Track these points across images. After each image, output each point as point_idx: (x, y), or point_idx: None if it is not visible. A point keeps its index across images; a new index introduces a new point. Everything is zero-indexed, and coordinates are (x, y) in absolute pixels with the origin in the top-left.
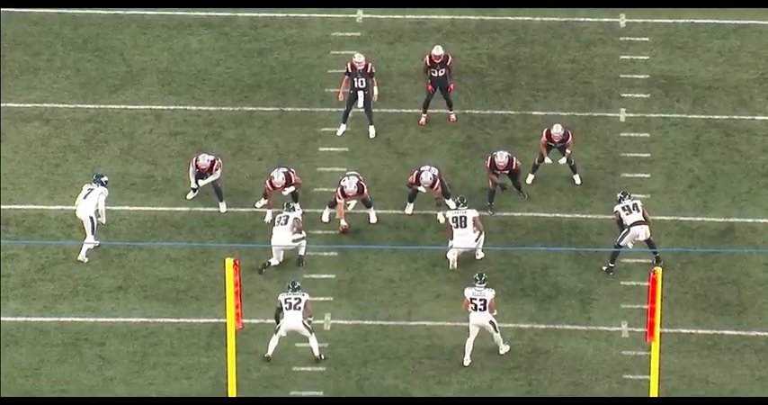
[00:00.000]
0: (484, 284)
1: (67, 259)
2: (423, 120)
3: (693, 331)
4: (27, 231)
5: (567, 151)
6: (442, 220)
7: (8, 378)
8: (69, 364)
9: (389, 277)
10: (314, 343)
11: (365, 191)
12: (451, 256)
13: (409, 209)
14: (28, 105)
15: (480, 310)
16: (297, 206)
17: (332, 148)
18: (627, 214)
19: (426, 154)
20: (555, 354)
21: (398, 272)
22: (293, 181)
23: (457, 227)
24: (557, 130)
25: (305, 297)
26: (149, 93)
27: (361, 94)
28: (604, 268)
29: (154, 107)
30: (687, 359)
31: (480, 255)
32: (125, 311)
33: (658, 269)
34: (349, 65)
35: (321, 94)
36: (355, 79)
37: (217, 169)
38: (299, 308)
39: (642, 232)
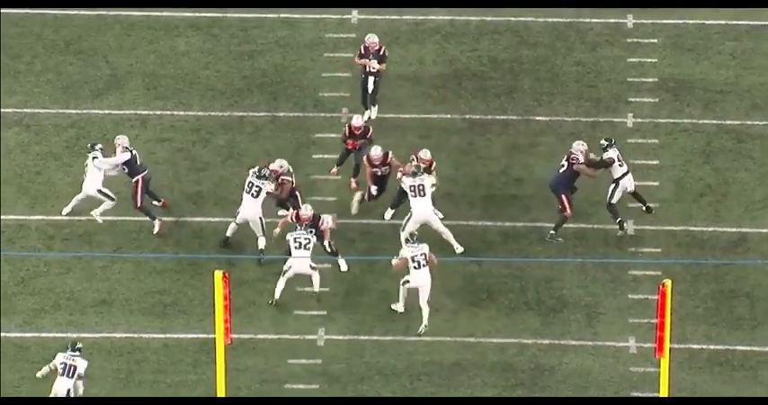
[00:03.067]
0: (417, 242)
1: (48, 272)
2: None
3: (705, 347)
4: (7, 242)
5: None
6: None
7: None
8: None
9: (386, 290)
10: (316, 280)
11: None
12: (412, 227)
13: (388, 214)
14: (8, 110)
15: (424, 266)
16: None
17: (326, 155)
18: (619, 166)
19: None
20: (560, 370)
21: (396, 284)
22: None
23: (415, 196)
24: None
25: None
26: (135, 97)
27: (371, 80)
28: (619, 233)
29: (139, 112)
30: (698, 376)
31: (450, 238)
32: (109, 326)
33: (668, 282)
34: (362, 47)
35: (315, 99)
36: (367, 62)
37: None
38: (309, 248)
39: (630, 184)
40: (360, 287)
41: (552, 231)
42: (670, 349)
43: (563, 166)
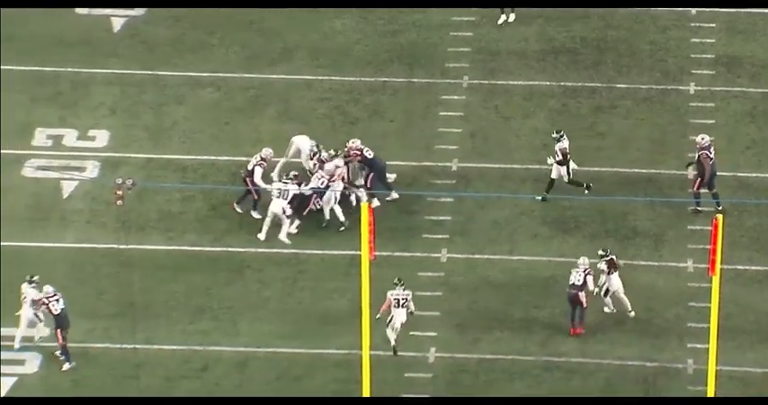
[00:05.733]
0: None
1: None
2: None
3: (748, 267)
4: (201, 177)
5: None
6: None
7: (185, 296)
8: (234, 287)
9: (495, 220)
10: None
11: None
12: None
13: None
14: (204, 75)
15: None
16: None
17: (450, 113)
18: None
19: (528, 118)
20: (632, 284)
21: (503, 216)
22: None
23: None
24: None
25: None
26: (301, 66)
27: None
28: (586, 191)
29: (305, 77)
30: (742, 290)
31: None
32: (281, 243)
33: (719, 216)
34: None
35: (442, 68)
36: None
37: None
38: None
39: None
40: (474, 217)
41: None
42: (720, 269)
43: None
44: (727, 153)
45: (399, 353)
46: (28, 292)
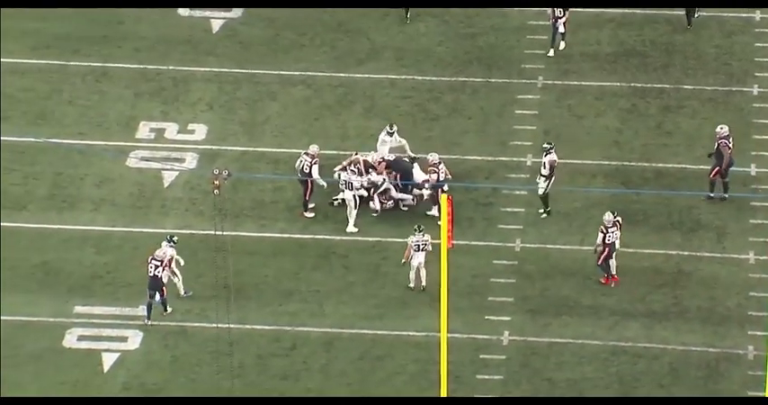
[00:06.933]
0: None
1: (321, 192)
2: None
3: None
4: (292, 169)
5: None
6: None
7: (275, 279)
8: (321, 272)
9: (567, 212)
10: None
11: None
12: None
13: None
14: (295, 73)
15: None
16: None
17: (525, 111)
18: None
19: (599, 117)
20: (695, 275)
21: (574, 208)
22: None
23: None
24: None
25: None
26: (387, 65)
27: (560, 22)
28: (543, 215)
29: (390, 77)
30: None
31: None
32: (364, 232)
33: None
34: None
35: (518, 69)
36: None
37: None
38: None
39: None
40: (548, 209)
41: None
42: None
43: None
44: None
45: (474, 335)
46: (167, 251)
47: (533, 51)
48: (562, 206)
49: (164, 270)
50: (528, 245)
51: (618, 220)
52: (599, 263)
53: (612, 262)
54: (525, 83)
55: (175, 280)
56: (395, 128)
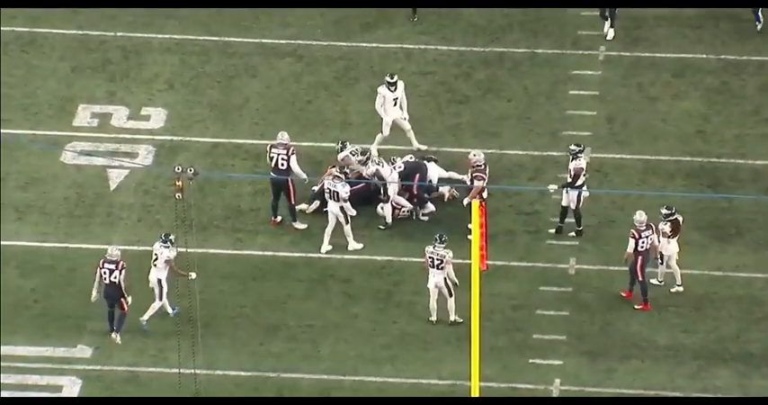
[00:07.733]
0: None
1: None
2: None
3: None
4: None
5: None
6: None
7: (255, 311)
8: (315, 301)
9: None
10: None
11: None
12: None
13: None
14: (282, 42)
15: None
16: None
17: (582, 92)
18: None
19: (678, 99)
20: None
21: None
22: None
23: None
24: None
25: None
26: (401, 32)
27: None
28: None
29: (405, 46)
30: None
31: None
32: (371, 249)
33: None
34: None
35: (574, 37)
36: None
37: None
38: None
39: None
40: (610, 219)
41: None
42: None
43: None
44: None
45: (515, 385)
46: (161, 251)
47: (592, 12)
48: (629, 216)
49: (121, 273)
50: (585, 266)
51: (670, 220)
52: (640, 278)
53: (648, 279)
54: (582, 54)
55: (157, 291)
56: (396, 77)
